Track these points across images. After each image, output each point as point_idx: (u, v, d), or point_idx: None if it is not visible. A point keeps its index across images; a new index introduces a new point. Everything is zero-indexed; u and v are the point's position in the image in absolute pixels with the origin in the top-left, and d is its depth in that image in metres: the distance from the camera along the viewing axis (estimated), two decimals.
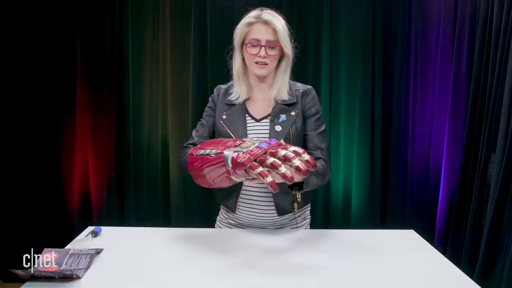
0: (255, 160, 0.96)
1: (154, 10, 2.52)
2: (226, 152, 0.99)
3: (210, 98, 1.40)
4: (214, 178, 1.05)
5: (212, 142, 1.12)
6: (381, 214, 2.60)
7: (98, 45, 2.50)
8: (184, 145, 1.36)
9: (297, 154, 0.96)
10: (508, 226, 1.91)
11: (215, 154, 1.03)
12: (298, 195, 1.23)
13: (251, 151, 0.98)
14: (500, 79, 2.01)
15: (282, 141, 1.09)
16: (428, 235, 2.45)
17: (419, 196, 2.55)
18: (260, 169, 0.93)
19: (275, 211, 1.30)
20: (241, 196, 1.31)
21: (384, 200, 2.61)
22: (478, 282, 0.98)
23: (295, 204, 1.31)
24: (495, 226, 1.95)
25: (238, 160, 0.96)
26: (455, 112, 2.36)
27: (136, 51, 2.53)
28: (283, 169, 0.92)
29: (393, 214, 2.60)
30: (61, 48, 2.47)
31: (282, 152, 0.95)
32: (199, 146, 1.13)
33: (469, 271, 2.06)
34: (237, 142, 1.06)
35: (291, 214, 1.34)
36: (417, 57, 2.50)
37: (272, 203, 1.29)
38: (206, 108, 1.39)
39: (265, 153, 0.99)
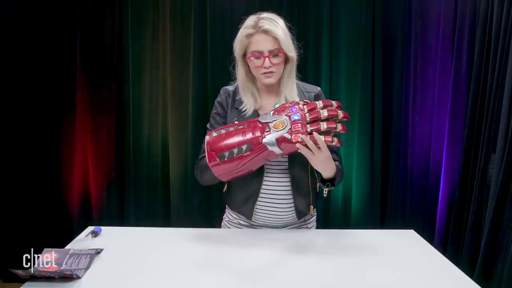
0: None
1: (154, 10, 2.52)
2: (268, 142, 1.08)
3: (217, 104, 1.34)
4: (253, 168, 1.15)
5: (224, 139, 1.11)
6: (381, 214, 2.60)
7: (98, 45, 2.50)
8: (200, 157, 1.30)
9: (331, 112, 1.09)
10: (508, 226, 1.90)
11: (249, 149, 1.08)
12: (325, 191, 1.29)
13: (294, 127, 1.07)
14: (500, 79, 2.01)
15: (297, 100, 1.17)
16: (428, 235, 2.45)
17: (419, 196, 2.55)
18: (322, 137, 1.06)
19: (294, 214, 1.31)
20: (258, 202, 1.29)
21: (384, 200, 2.61)
22: (478, 282, 0.99)
23: (311, 206, 1.34)
24: (495, 226, 1.95)
25: (294, 140, 1.07)
26: (455, 113, 2.36)
27: (136, 51, 2.53)
28: (339, 126, 1.09)
29: (393, 214, 2.59)
30: (61, 48, 2.47)
31: (325, 113, 1.08)
32: (211, 150, 1.11)
33: (469, 271, 2.06)
34: (259, 127, 1.11)
35: (306, 216, 1.37)
36: (417, 58, 2.49)
37: (292, 207, 1.30)
38: (214, 115, 1.33)
39: (309, 121, 1.08)
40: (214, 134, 1.12)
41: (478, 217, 2.13)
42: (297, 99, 1.25)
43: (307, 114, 1.09)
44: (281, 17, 1.25)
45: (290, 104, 1.14)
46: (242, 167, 1.12)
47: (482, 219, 2.11)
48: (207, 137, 1.13)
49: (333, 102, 1.11)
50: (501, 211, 1.93)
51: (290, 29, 1.26)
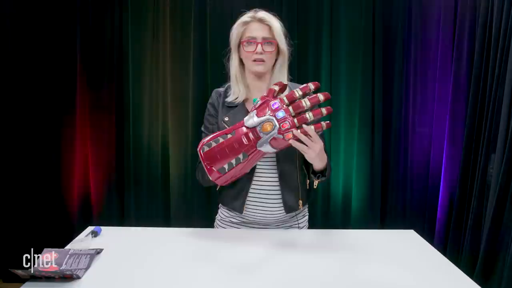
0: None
1: (154, 10, 2.52)
2: (261, 146, 1.10)
3: (209, 106, 1.38)
4: (250, 168, 1.18)
5: (218, 152, 1.12)
6: (381, 214, 2.60)
7: (98, 45, 2.50)
8: (200, 160, 1.29)
9: (313, 100, 1.09)
10: (508, 226, 1.91)
11: (245, 157, 1.10)
12: (316, 183, 1.29)
13: (283, 126, 1.07)
14: (500, 79, 2.01)
15: (273, 87, 1.15)
16: (428, 235, 2.45)
17: (419, 196, 2.55)
18: (312, 127, 1.07)
19: (283, 209, 1.32)
20: (249, 196, 1.31)
21: (384, 200, 2.61)
22: (478, 282, 0.98)
23: (300, 201, 1.33)
24: (495, 226, 1.95)
25: (286, 138, 1.08)
26: (455, 112, 2.36)
27: (136, 51, 2.53)
28: (323, 111, 1.09)
29: (393, 214, 2.60)
30: (61, 48, 2.47)
31: (308, 103, 1.09)
32: (210, 167, 1.13)
33: (469, 271, 2.06)
34: (248, 131, 1.10)
35: (295, 211, 1.36)
36: (417, 57, 2.50)
37: (281, 201, 1.31)
38: (207, 117, 1.37)
39: (294, 114, 1.09)
40: (206, 148, 1.12)
41: (478, 217, 2.13)
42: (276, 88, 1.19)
43: (290, 108, 1.08)
44: (277, 17, 1.31)
45: (267, 96, 1.13)
46: (242, 171, 1.16)
47: (482, 219, 2.12)
48: (200, 153, 1.13)
49: (310, 85, 1.11)
50: (501, 211, 1.93)
51: (283, 28, 1.31)
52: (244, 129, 1.11)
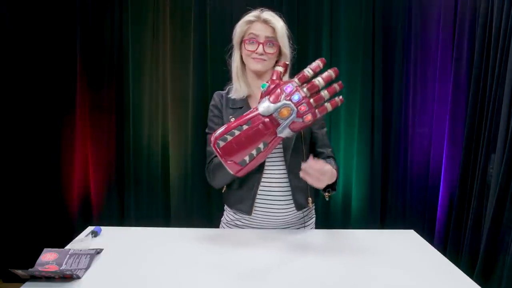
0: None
1: (154, 10, 2.52)
2: (281, 132, 1.07)
3: (212, 107, 1.37)
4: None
5: (237, 145, 1.07)
6: (381, 214, 2.60)
7: (98, 45, 2.50)
8: (208, 161, 1.31)
9: (326, 78, 1.06)
10: (508, 226, 1.91)
11: (265, 146, 1.07)
12: (326, 196, 1.29)
13: (301, 109, 1.05)
14: (500, 79, 2.01)
15: (278, 69, 1.12)
16: (428, 235, 2.45)
17: (419, 196, 2.55)
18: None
19: (293, 207, 1.32)
20: (258, 198, 1.30)
21: (384, 200, 2.61)
22: (478, 282, 0.98)
23: (310, 199, 1.34)
24: (495, 226, 1.95)
25: (306, 121, 1.06)
26: (455, 112, 2.36)
27: (136, 51, 2.53)
28: (337, 87, 1.07)
29: (393, 214, 2.60)
30: (61, 48, 2.47)
31: (321, 81, 1.06)
32: (230, 161, 1.09)
33: (469, 271, 2.06)
34: (265, 119, 1.06)
35: (305, 209, 1.37)
36: (417, 57, 2.50)
37: (291, 200, 1.31)
38: (212, 118, 1.36)
39: (309, 95, 1.06)
40: (221, 143, 1.07)
41: (478, 217, 2.14)
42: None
43: (305, 90, 1.05)
44: (282, 19, 1.30)
45: (276, 79, 1.10)
46: (261, 159, 1.12)
47: (482, 219, 2.12)
48: (216, 148, 1.08)
49: (319, 63, 1.07)
50: (501, 211, 1.93)
51: (288, 31, 1.30)
52: (261, 117, 1.07)
